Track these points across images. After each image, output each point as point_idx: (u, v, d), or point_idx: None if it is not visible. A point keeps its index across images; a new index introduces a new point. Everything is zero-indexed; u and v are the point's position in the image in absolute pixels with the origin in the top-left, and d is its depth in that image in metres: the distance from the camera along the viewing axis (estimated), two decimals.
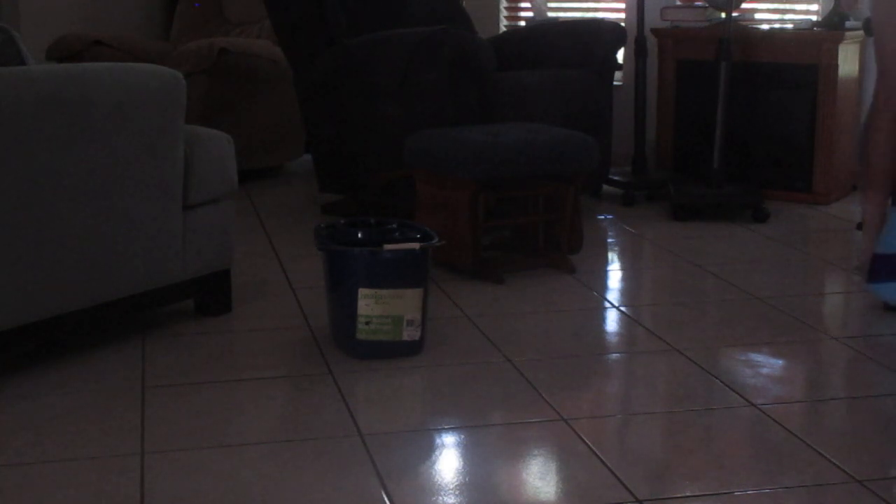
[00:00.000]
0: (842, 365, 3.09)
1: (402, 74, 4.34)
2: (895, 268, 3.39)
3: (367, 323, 2.99)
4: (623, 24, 5.26)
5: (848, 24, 4.92)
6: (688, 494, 2.27)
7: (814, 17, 5.27)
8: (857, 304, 3.65)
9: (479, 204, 3.72)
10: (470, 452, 2.50)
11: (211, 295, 3.40)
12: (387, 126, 4.40)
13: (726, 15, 4.83)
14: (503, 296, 3.65)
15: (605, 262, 4.21)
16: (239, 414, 2.72)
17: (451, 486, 2.31)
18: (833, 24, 4.94)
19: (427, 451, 2.49)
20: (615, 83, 5.05)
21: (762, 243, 4.37)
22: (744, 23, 5.15)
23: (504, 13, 6.24)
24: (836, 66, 4.88)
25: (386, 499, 2.24)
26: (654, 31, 5.31)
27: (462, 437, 2.57)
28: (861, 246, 3.91)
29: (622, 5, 5.88)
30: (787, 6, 5.54)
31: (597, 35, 4.83)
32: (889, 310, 3.47)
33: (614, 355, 3.18)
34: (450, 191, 3.78)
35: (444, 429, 2.60)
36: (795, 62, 4.97)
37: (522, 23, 6.12)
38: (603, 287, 3.83)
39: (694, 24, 5.21)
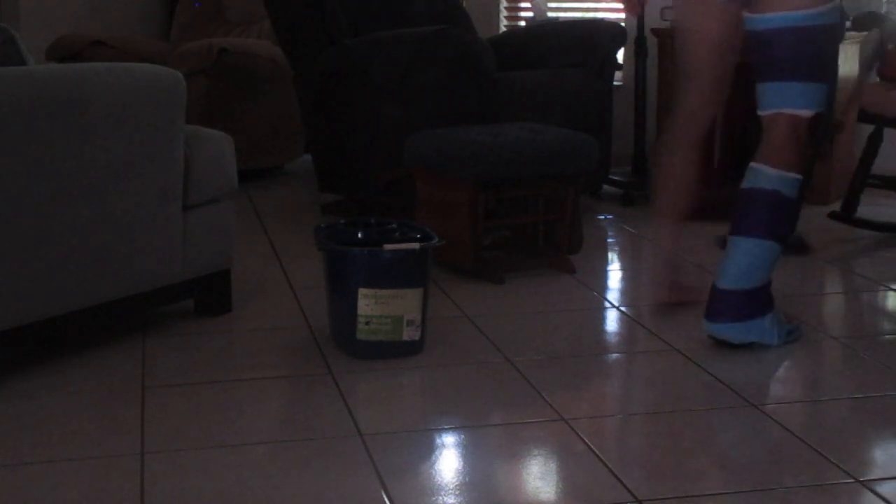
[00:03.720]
0: (842, 365, 3.08)
1: (402, 74, 4.33)
2: (740, 306, 3.04)
3: (367, 323, 2.98)
4: (623, 24, 5.25)
5: (848, 24, 4.91)
6: (688, 494, 2.26)
7: None
8: (857, 304, 3.65)
9: (479, 204, 3.72)
10: (470, 452, 2.50)
11: (211, 295, 3.40)
12: (387, 126, 4.40)
13: None
14: (503, 296, 3.65)
15: (605, 262, 4.21)
16: (239, 414, 2.72)
17: (451, 486, 2.31)
18: None
19: (427, 451, 2.49)
20: (615, 83, 5.05)
21: None
22: None
23: (504, 13, 6.23)
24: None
25: (386, 499, 2.24)
26: (654, 31, 5.30)
27: (462, 437, 2.56)
28: (654, 277, 3.39)
29: (622, 5, 5.87)
30: None
31: (597, 35, 4.83)
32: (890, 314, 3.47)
33: (614, 355, 3.18)
34: (450, 191, 3.78)
35: (444, 429, 2.60)
36: None
37: (522, 23, 6.12)
38: (603, 287, 3.83)
39: None
